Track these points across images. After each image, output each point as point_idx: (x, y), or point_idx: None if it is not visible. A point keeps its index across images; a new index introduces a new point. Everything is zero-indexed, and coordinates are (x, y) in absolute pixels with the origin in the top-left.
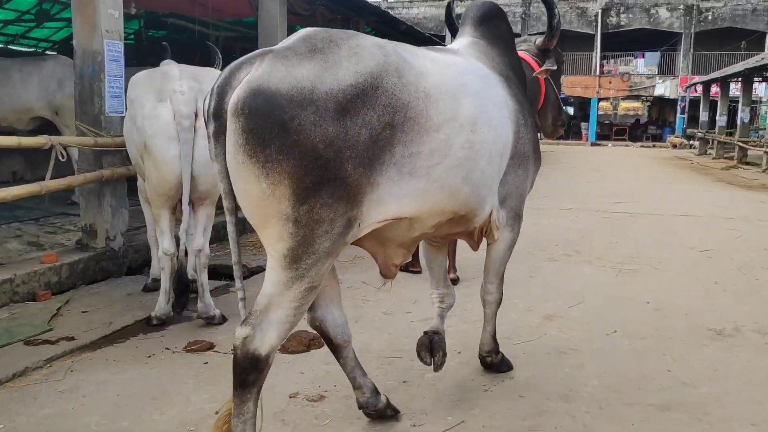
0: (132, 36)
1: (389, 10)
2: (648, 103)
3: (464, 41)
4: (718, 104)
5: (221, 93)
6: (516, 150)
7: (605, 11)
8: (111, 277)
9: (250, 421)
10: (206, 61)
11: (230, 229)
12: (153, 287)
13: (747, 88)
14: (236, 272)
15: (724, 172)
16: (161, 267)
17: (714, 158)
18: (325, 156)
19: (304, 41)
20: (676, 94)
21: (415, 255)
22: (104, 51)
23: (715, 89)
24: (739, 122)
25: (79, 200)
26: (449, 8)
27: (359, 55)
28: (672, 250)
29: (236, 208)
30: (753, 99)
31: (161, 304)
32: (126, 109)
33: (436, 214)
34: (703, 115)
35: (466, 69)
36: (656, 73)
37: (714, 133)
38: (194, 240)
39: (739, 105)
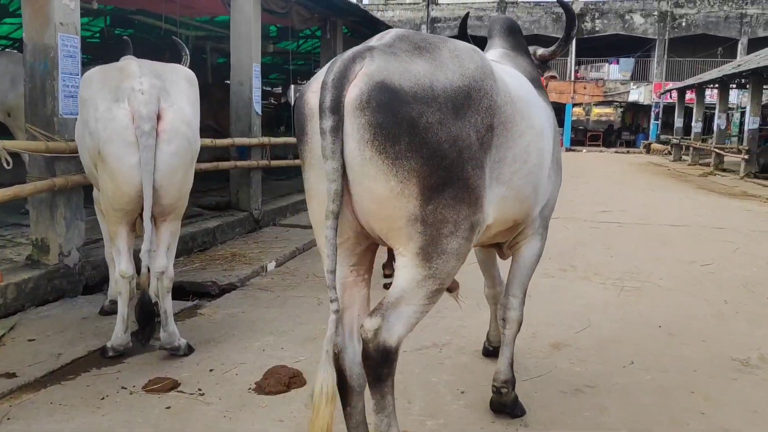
0: (98, 35)
1: None
2: (621, 109)
3: (497, 53)
4: (694, 110)
5: (339, 86)
6: (554, 156)
7: (580, 16)
8: (65, 297)
9: (393, 414)
10: (176, 61)
11: (330, 234)
12: (111, 310)
13: (723, 95)
14: (329, 281)
15: (702, 179)
16: (118, 291)
17: (690, 164)
18: (449, 156)
19: (402, 40)
20: (650, 100)
21: (390, 259)
22: (58, 46)
23: (689, 95)
24: (715, 129)
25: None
26: (465, 21)
27: (460, 57)
28: (671, 264)
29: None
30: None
31: (118, 333)
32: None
33: (503, 221)
34: (678, 122)
35: (520, 78)
36: (630, 79)
37: (689, 139)
38: (156, 260)
39: (716, 111)
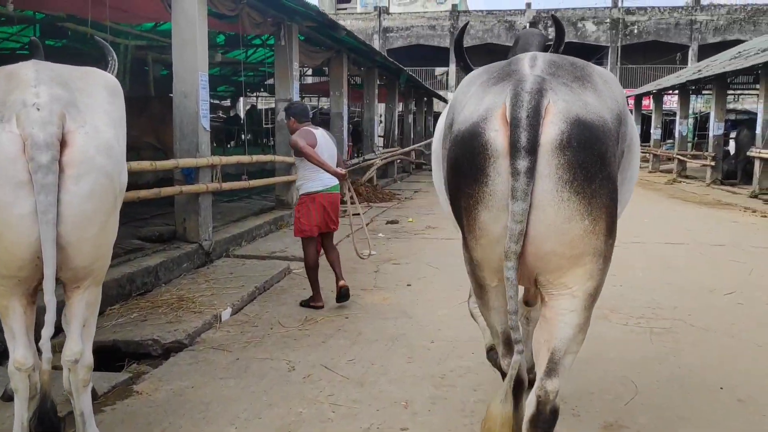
0: (27, 47)
1: None
2: None
3: None
4: (652, 117)
5: (535, 124)
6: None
7: (533, 25)
8: None
9: None
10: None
11: (512, 275)
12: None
13: (684, 101)
14: (513, 322)
15: (670, 186)
16: (13, 388)
17: (650, 171)
18: (616, 188)
19: (559, 67)
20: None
21: (316, 289)
22: None
23: (645, 102)
24: (677, 135)
25: None
26: (461, 36)
27: (608, 82)
28: (690, 294)
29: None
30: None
31: None
32: None
33: None
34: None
35: None
36: None
37: (649, 146)
38: (67, 345)
39: (677, 118)
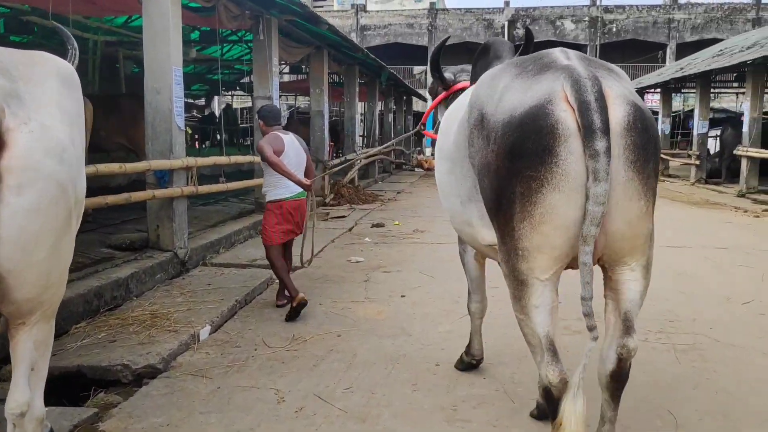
0: None
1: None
2: None
3: None
4: None
5: (603, 106)
6: None
7: (511, 23)
8: None
9: None
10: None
11: (589, 260)
12: None
13: (667, 99)
14: (587, 309)
15: None
16: None
17: None
18: (659, 172)
19: (585, 59)
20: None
21: (290, 285)
22: None
23: None
24: (660, 134)
25: None
26: (438, 52)
27: (625, 77)
28: (706, 303)
29: None
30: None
31: None
32: None
33: None
34: None
35: None
36: None
37: None
38: (11, 395)
39: (660, 116)
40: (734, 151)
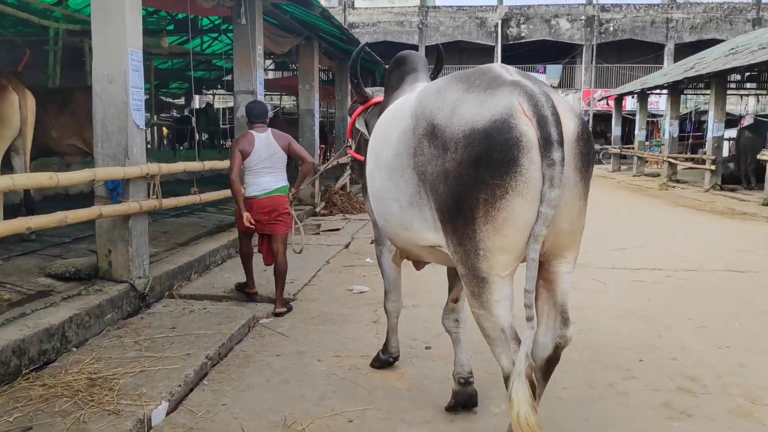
0: None
1: None
2: None
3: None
4: (637, 117)
5: (558, 120)
6: None
7: (505, 22)
8: None
9: None
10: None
11: (536, 257)
12: None
13: (675, 100)
14: (528, 300)
15: (666, 192)
16: None
17: (635, 175)
18: None
19: (523, 74)
20: (579, 108)
21: (250, 276)
22: None
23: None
24: (667, 136)
25: None
26: (358, 56)
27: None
28: None
29: None
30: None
31: None
32: None
33: None
34: (616, 130)
35: None
36: (558, 86)
37: (632, 148)
38: None
39: (667, 118)
40: (758, 156)
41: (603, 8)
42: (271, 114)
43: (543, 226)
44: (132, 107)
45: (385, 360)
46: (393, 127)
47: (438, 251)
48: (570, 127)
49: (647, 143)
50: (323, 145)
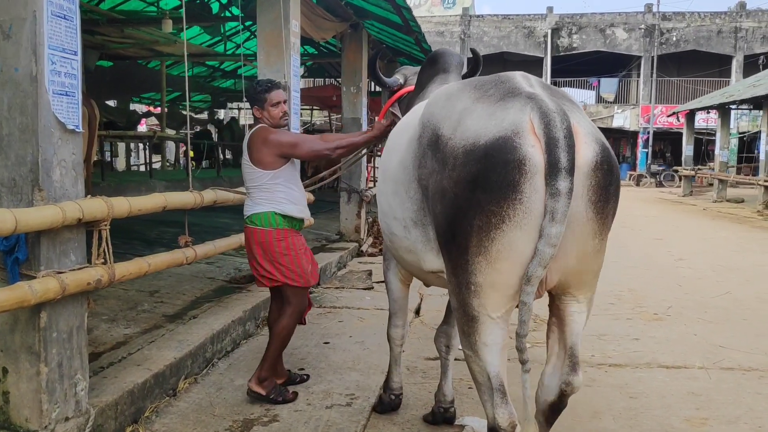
0: None
1: None
2: None
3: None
4: (718, 135)
5: (571, 145)
6: None
7: (555, 31)
8: None
9: None
10: None
11: (530, 300)
12: None
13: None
14: (521, 344)
15: None
16: None
17: (715, 201)
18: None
19: (546, 87)
20: (638, 125)
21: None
22: None
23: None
24: (763, 156)
25: None
26: (376, 57)
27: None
28: None
29: None
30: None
31: None
32: None
33: None
34: (688, 149)
35: None
36: (614, 101)
37: (712, 170)
38: None
39: (763, 135)
40: None
41: (664, 17)
42: (299, 130)
43: (539, 266)
44: (51, 88)
45: (388, 401)
46: (402, 137)
47: (442, 278)
48: (586, 154)
49: (710, 164)
50: (372, 165)
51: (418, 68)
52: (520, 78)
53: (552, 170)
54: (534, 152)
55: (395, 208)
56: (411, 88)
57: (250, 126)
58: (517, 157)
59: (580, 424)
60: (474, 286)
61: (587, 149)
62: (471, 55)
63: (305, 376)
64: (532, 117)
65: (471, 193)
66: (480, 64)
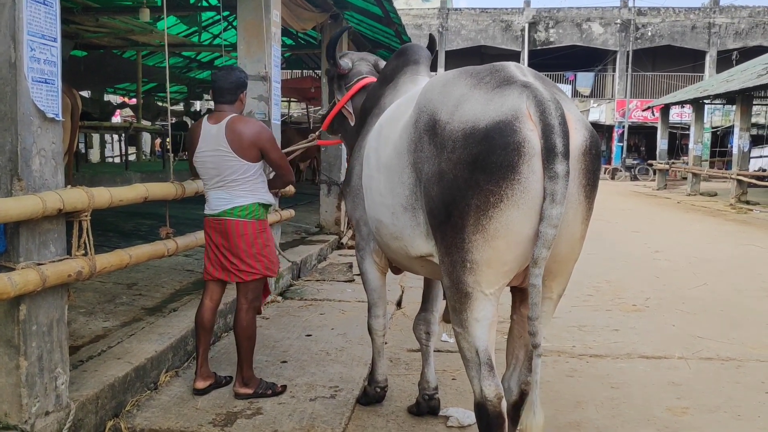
0: None
1: None
2: None
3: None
4: (692, 129)
5: (566, 130)
6: None
7: (532, 26)
8: None
9: None
10: None
11: (538, 282)
12: None
13: (745, 110)
14: (534, 328)
15: (745, 215)
16: None
17: (689, 194)
18: None
19: (538, 76)
20: (613, 119)
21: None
22: None
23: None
24: (735, 151)
25: None
26: (337, 38)
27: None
28: None
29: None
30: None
31: None
32: None
33: None
34: (663, 143)
35: None
36: (590, 95)
37: (685, 164)
38: None
39: (736, 131)
40: None
41: (640, 12)
42: (279, 122)
43: (544, 247)
44: (30, 75)
45: (373, 394)
46: (394, 126)
47: (429, 262)
48: (578, 140)
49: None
50: None
51: (364, 54)
52: (513, 68)
53: (549, 154)
54: (532, 136)
55: (385, 195)
56: (371, 79)
57: (209, 115)
58: (517, 139)
59: (563, 414)
60: (470, 263)
61: (578, 135)
62: (436, 49)
63: (229, 378)
64: (528, 104)
65: (470, 174)
66: (434, 49)
